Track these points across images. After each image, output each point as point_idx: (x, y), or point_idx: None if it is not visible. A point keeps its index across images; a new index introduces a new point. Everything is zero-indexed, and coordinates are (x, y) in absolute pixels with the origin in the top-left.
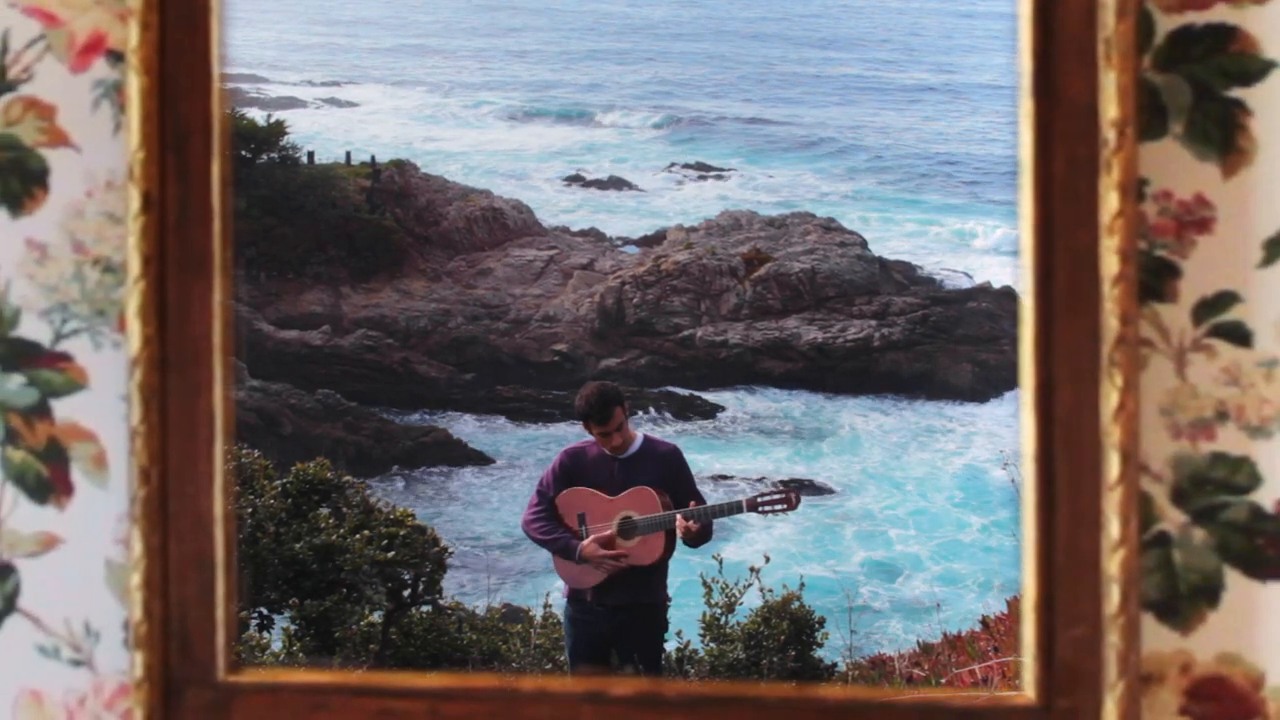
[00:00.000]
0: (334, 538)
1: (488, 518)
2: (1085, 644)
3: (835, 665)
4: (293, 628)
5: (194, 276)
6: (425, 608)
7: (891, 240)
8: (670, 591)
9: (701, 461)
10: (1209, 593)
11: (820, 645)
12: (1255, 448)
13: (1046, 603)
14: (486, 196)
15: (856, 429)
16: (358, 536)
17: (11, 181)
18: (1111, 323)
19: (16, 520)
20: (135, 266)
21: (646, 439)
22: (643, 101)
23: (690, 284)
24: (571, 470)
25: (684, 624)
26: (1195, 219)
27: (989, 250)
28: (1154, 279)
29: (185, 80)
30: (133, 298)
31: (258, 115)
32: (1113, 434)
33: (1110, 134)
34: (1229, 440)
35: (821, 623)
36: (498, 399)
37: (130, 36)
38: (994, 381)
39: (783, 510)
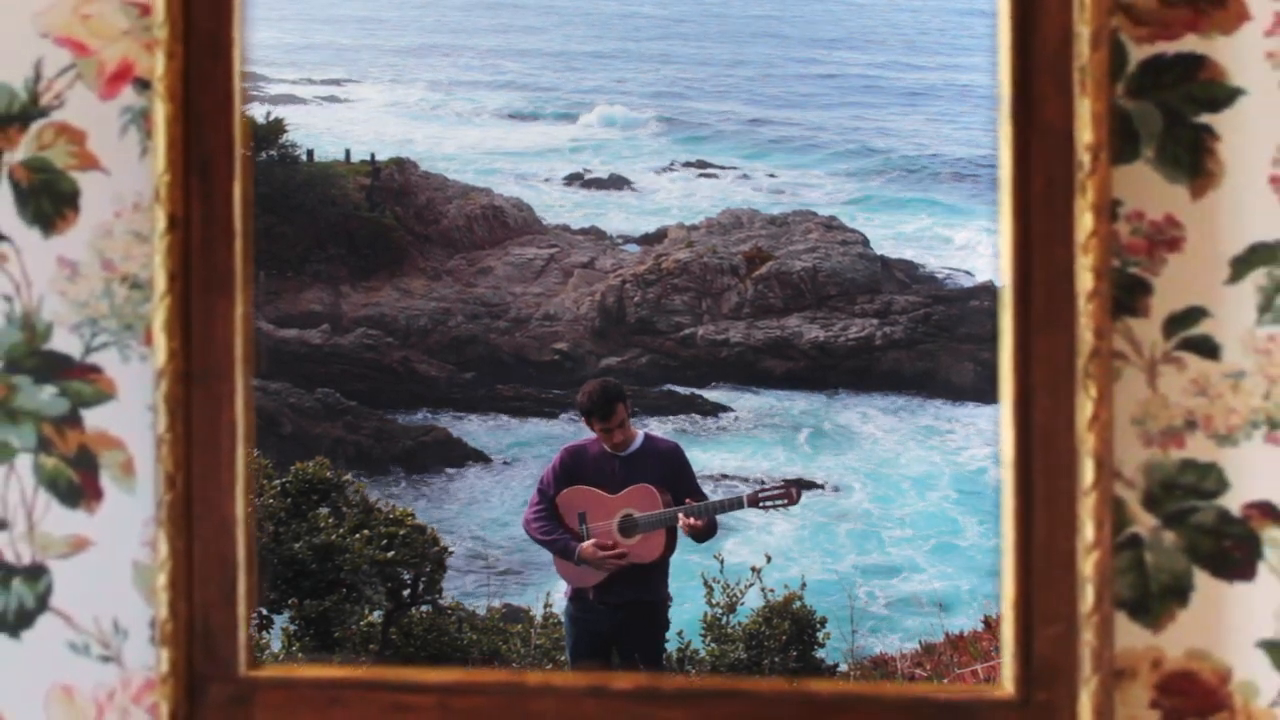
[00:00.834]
0: (333, 537)
1: (489, 517)
2: (1061, 641)
3: (837, 665)
4: (292, 627)
5: (217, 293)
6: (425, 607)
7: (894, 239)
8: (671, 590)
9: (702, 459)
10: (1178, 592)
11: (822, 645)
12: (1222, 455)
13: (1025, 602)
14: (486, 194)
15: (858, 428)
16: (357, 536)
17: (44, 203)
18: (1086, 336)
19: (49, 523)
20: (161, 283)
21: (647, 437)
22: (644, 99)
23: (691, 282)
24: (572, 468)
25: (685, 624)
26: (1165, 238)
27: (992, 249)
28: (1127, 295)
29: (208, 107)
30: (159, 313)
31: (257, 112)
32: (1087, 442)
33: (1085, 157)
34: (1198, 448)
35: (823, 623)
36: (498, 398)
37: (157, 65)
38: (997, 380)
39: (783, 505)
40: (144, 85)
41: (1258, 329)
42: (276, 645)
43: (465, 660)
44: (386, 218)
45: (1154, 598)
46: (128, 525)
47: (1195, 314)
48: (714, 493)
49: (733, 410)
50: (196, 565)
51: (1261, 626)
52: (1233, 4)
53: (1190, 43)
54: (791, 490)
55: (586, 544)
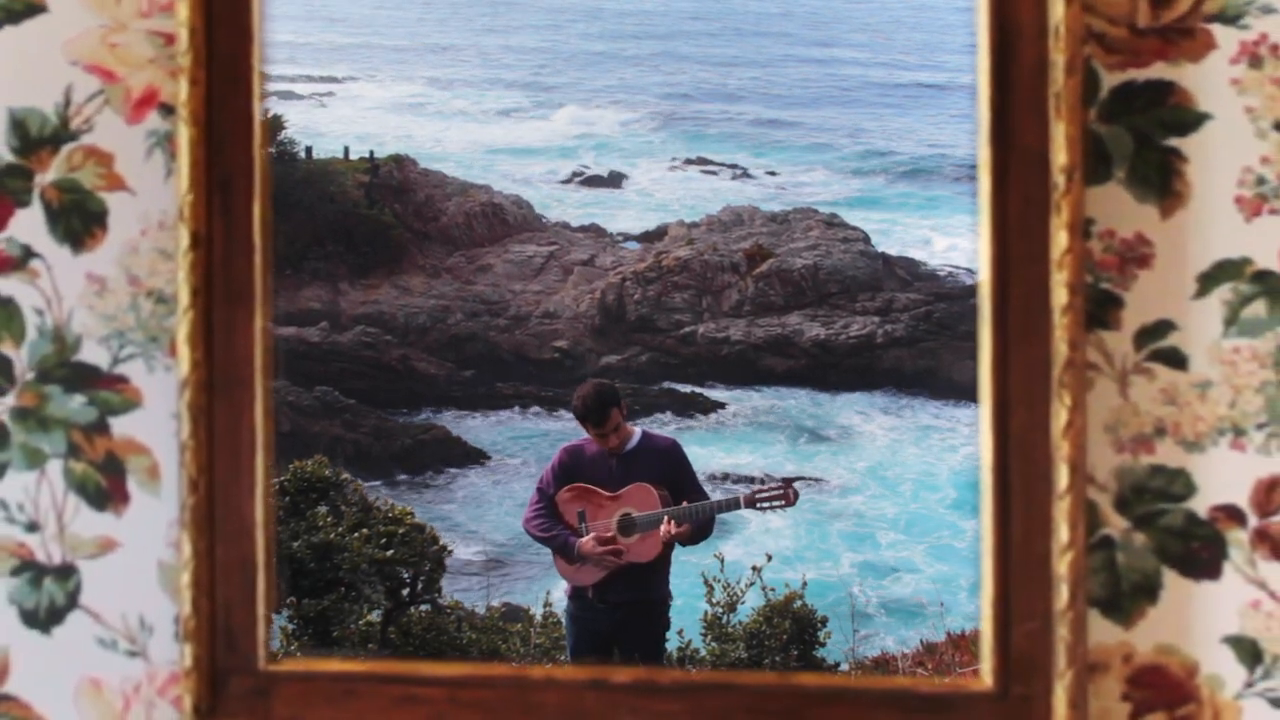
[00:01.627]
0: (332, 536)
1: (489, 515)
2: (1037, 637)
3: (838, 665)
4: (290, 626)
5: (237, 306)
6: (424, 607)
7: (895, 237)
8: (671, 589)
9: (701, 457)
10: (1148, 591)
11: (823, 644)
12: (1190, 460)
13: (1003, 599)
14: (486, 192)
15: (858, 427)
16: (356, 535)
17: (74, 222)
18: (1061, 348)
19: (78, 525)
20: (185, 298)
21: (645, 434)
22: (644, 96)
23: (692, 280)
24: (571, 467)
25: (685, 623)
26: (1136, 255)
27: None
28: (1099, 309)
29: (229, 131)
30: (182, 326)
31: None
32: (1062, 448)
33: (1060, 179)
34: (1167, 454)
35: (824, 622)
36: (498, 396)
37: (180, 92)
38: None
39: (781, 506)
40: (168, 110)
41: (1223, 341)
42: (275, 644)
43: (464, 660)
44: (385, 215)
45: (1125, 596)
46: (153, 527)
47: (1164, 327)
48: (714, 492)
49: (732, 408)
50: (218, 565)
51: (1227, 623)
52: (1200, 33)
53: (1159, 70)
54: (789, 490)
55: (586, 539)
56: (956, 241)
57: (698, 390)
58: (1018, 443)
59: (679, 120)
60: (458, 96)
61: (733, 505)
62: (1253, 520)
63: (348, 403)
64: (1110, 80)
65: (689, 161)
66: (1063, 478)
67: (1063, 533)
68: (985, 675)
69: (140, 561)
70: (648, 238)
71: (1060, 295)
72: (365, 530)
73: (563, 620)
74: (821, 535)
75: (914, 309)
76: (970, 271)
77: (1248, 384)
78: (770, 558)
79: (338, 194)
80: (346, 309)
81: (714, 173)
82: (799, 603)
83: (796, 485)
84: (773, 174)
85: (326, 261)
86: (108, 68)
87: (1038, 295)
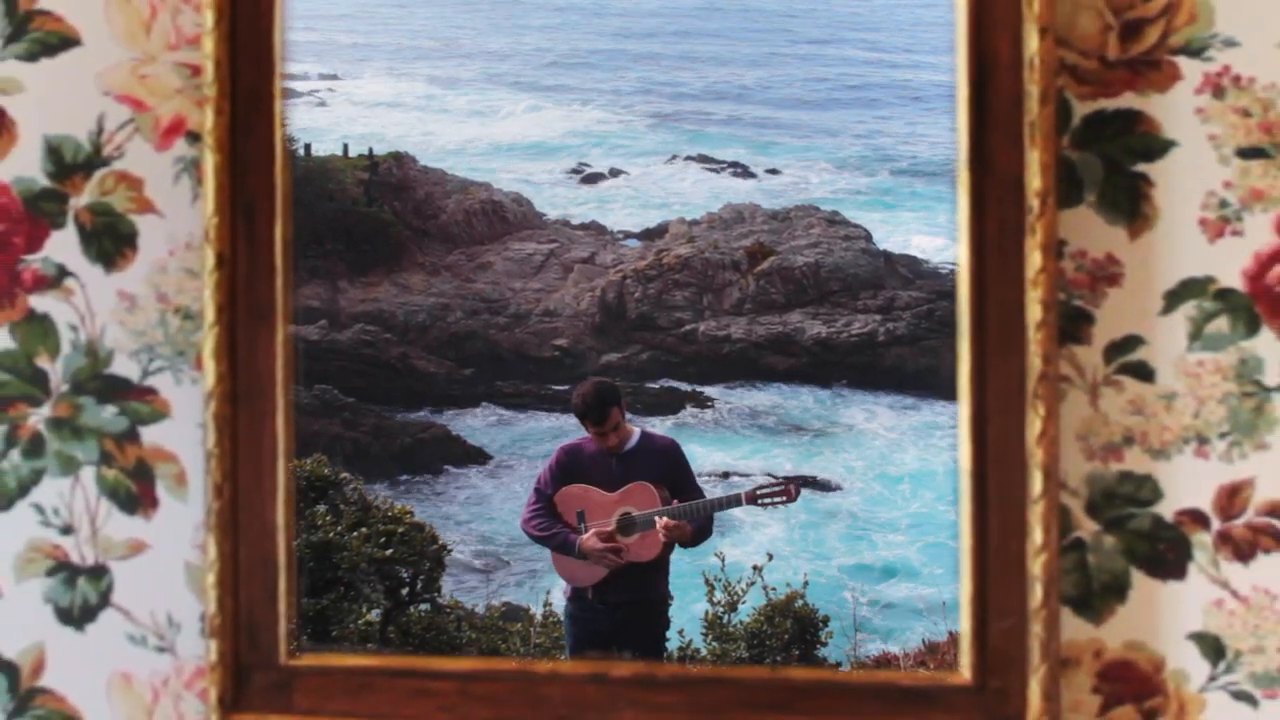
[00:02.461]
0: (331, 535)
1: (489, 514)
2: (1013, 633)
3: (839, 665)
4: (289, 626)
5: (259, 323)
6: (424, 606)
7: (898, 235)
8: (671, 589)
9: (701, 456)
10: (1117, 590)
11: (824, 644)
12: (1157, 467)
13: (980, 598)
14: (486, 189)
15: (860, 425)
16: (355, 534)
17: (105, 243)
18: (1035, 361)
19: (110, 529)
20: (210, 314)
21: (644, 433)
22: (645, 93)
23: (692, 278)
24: (569, 467)
25: (686, 622)
26: (1106, 274)
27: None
28: (1071, 325)
29: (252, 157)
30: (208, 341)
31: None
32: (1037, 455)
33: (1034, 202)
34: (1135, 461)
35: (826, 621)
36: (497, 394)
37: (206, 120)
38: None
39: (783, 503)
40: (195, 138)
41: (1188, 355)
42: None
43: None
44: (384, 213)
45: (1096, 595)
46: (180, 530)
47: (1132, 342)
48: (714, 491)
49: (733, 407)
50: (242, 565)
51: (1191, 620)
52: (1166, 65)
53: (1128, 100)
54: (791, 487)
55: (587, 535)
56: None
57: (697, 388)
58: (995, 450)
59: (680, 118)
60: (458, 94)
61: (733, 502)
62: (1216, 523)
63: (347, 401)
64: (1082, 109)
65: (690, 159)
66: (1037, 483)
67: (1037, 535)
68: (964, 669)
69: (168, 562)
70: (648, 235)
71: (1035, 312)
72: (364, 529)
73: (562, 620)
74: (821, 534)
75: (916, 307)
76: None
77: (1211, 395)
78: (771, 557)
79: (336, 192)
80: (345, 307)
81: (715, 170)
82: (800, 602)
83: (797, 483)
84: (774, 172)
85: (325, 259)
86: (138, 98)
87: (1013, 312)
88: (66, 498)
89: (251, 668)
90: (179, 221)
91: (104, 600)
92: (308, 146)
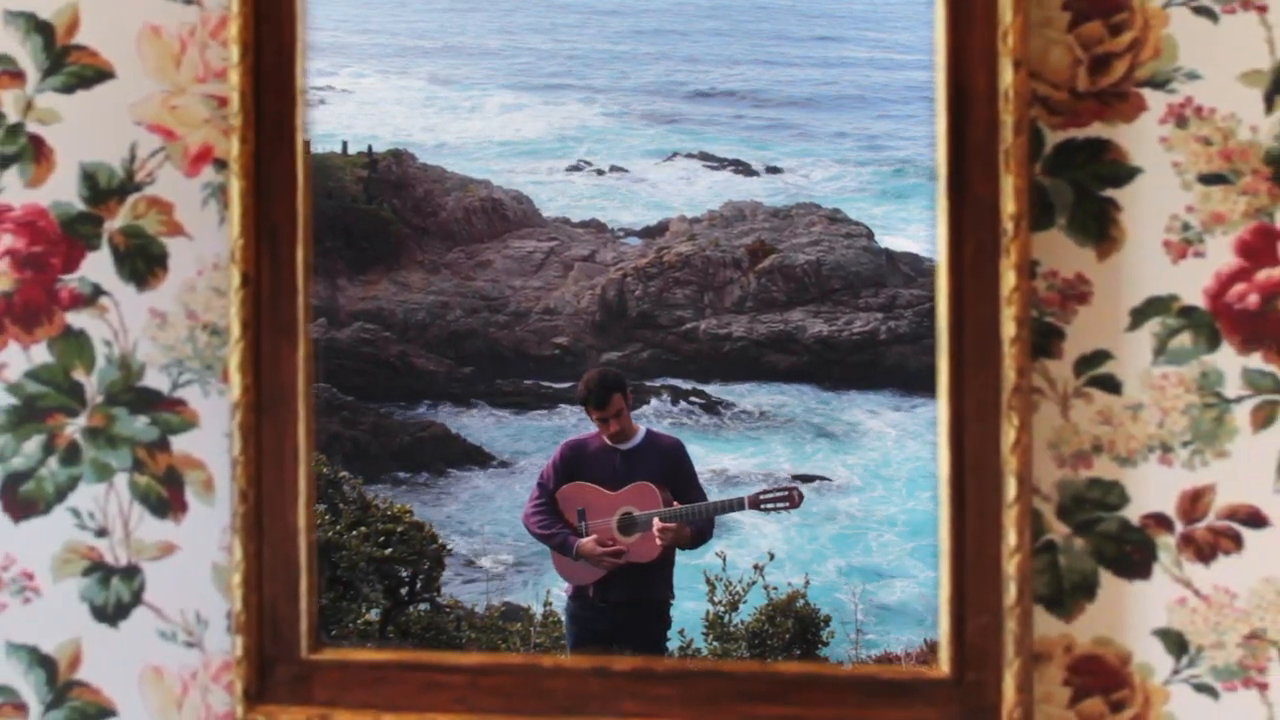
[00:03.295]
0: (330, 534)
1: (488, 513)
2: (989, 629)
3: (841, 665)
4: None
5: (282, 338)
6: (423, 606)
7: (900, 233)
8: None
9: (701, 455)
10: (1087, 589)
11: (826, 644)
12: (1124, 474)
13: (958, 597)
14: (485, 187)
15: (862, 424)
16: (354, 533)
17: (138, 263)
18: (1010, 375)
19: (142, 531)
20: (236, 330)
21: (649, 432)
22: (646, 91)
23: (693, 276)
24: (572, 463)
25: (687, 622)
26: (1076, 293)
27: None
28: (1043, 340)
29: (276, 183)
30: (234, 355)
31: None
32: (1011, 463)
33: (1009, 225)
34: (1103, 468)
35: (827, 621)
36: (497, 393)
37: (232, 148)
38: None
39: (786, 508)
40: (221, 165)
41: (1153, 368)
42: None
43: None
44: (384, 210)
45: (1066, 593)
46: (208, 533)
47: (1101, 356)
48: (721, 491)
49: (734, 405)
50: (265, 566)
51: (1156, 617)
52: (1132, 97)
53: (1097, 129)
54: (794, 493)
55: (586, 540)
56: None
57: (699, 386)
58: (971, 458)
59: (681, 115)
60: (458, 92)
61: (735, 506)
62: (1179, 527)
63: (346, 399)
64: (1053, 138)
65: (691, 156)
66: (1011, 489)
67: (1011, 538)
68: (943, 663)
69: (196, 563)
70: (649, 233)
71: (1009, 328)
72: (363, 528)
73: (563, 619)
74: (822, 534)
75: (918, 305)
76: None
77: (1174, 406)
78: (773, 556)
79: (335, 189)
80: (345, 305)
81: (716, 168)
82: (801, 602)
83: (801, 486)
84: (775, 169)
85: (324, 257)
86: (168, 127)
87: (989, 328)
88: (101, 502)
89: (274, 661)
90: (207, 243)
91: (136, 598)
92: (306, 144)
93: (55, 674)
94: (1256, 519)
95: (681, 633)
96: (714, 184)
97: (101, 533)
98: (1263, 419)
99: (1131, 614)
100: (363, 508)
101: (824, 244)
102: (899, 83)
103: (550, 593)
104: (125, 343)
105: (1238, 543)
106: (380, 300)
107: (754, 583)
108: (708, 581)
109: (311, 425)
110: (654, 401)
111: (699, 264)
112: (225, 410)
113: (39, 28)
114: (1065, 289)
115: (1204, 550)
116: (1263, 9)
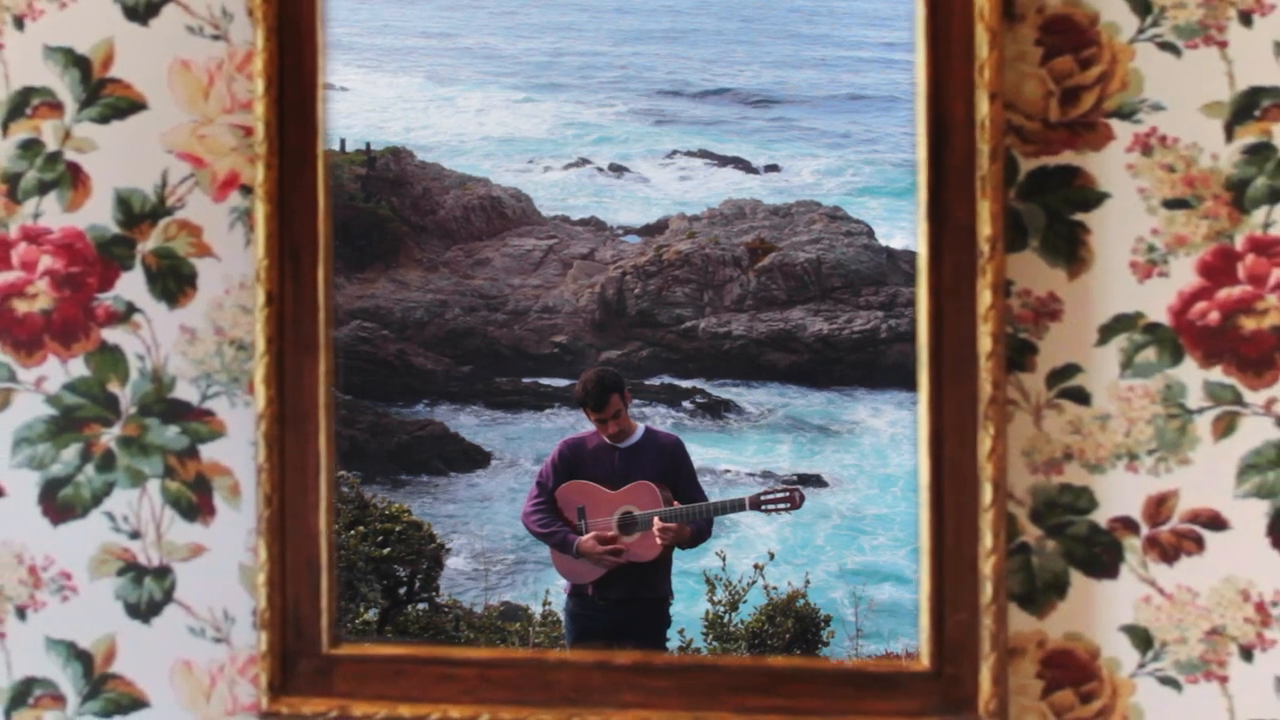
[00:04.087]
0: None
1: (488, 512)
2: (966, 626)
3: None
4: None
5: (305, 354)
6: (422, 605)
7: (901, 231)
8: (673, 588)
9: (701, 455)
10: (1058, 588)
11: (826, 644)
12: (1093, 480)
13: (938, 595)
14: (484, 185)
15: (863, 423)
16: (352, 532)
17: (169, 282)
18: (986, 387)
19: (173, 534)
20: (261, 345)
21: (648, 430)
22: (646, 89)
23: (693, 274)
24: (572, 461)
25: (687, 621)
26: (1048, 310)
27: None
28: (1018, 355)
29: (298, 208)
30: (259, 369)
31: None
32: (987, 469)
33: (985, 247)
34: (1073, 474)
35: (827, 621)
36: (495, 391)
37: (257, 175)
38: None
39: (786, 509)
40: (247, 190)
41: (1120, 381)
42: None
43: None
44: (382, 208)
45: (1039, 592)
46: (235, 535)
47: (1071, 370)
48: (713, 490)
49: (734, 404)
50: (289, 566)
51: (1123, 614)
52: (1101, 127)
53: (1068, 157)
54: (795, 494)
55: (586, 537)
56: None
57: (699, 385)
58: (950, 465)
59: (681, 113)
60: (458, 90)
61: (736, 507)
62: (1144, 530)
63: (344, 398)
64: (1027, 165)
65: (690, 154)
66: (987, 494)
67: (987, 540)
68: (923, 658)
69: (224, 564)
70: (648, 231)
71: (985, 343)
72: (361, 527)
73: (562, 618)
74: (822, 534)
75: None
76: None
77: (1140, 417)
78: (773, 555)
79: (333, 187)
80: (343, 303)
81: (716, 165)
82: (801, 602)
83: (802, 486)
84: (774, 167)
85: None
86: (197, 155)
87: (966, 343)
88: (135, 507)
89: (297, 656)
90: (233, 264)
91: (167, 597)
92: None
93: (92, 667)
94: (1217, 522)
95: (681, 632)
96: (714, 182)
97: (135, 535)
98: (1223, 428)
99: (1100, 611)
100: (361, 507)
101: (824, 242)
102: (899, 81)
103: (549, 592)
104: (157, 357)
105: (1199, 544)
106: (378, 298)
107: (754, 582)
108: (708, 581)
109: (332, 435)
110: (658, 406)
111: (698, 262)
112: (251, 421)
113: (77, 62)
114: (1038, 307)
115: (1168, 552)
116: (1223, 44)
